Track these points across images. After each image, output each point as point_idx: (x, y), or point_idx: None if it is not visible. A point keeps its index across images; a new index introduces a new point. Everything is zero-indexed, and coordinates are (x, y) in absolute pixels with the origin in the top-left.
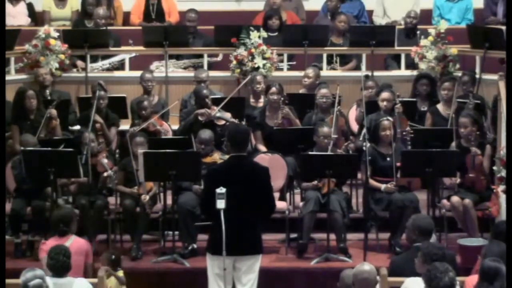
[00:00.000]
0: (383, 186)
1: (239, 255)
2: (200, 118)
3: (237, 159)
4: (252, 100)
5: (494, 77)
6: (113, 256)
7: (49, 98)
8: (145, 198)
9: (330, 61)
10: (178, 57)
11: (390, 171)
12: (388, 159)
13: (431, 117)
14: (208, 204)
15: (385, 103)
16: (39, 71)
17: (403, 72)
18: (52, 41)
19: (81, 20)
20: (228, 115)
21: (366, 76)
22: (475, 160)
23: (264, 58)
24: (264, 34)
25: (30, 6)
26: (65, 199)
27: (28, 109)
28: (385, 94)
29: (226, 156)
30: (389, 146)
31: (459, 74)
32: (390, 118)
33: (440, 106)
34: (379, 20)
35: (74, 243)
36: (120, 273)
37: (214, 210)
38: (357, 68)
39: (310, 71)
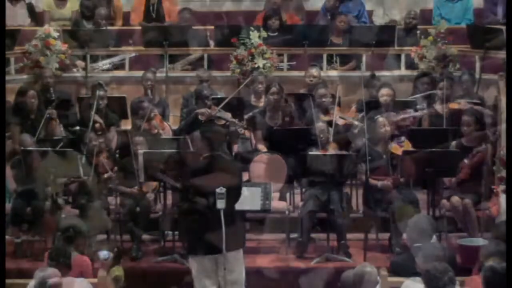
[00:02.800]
0: (379, 183)
1: (222, 252)
2: (200, 117)
3: (212, 158)
4: (253, 99)
5: (494, 77)
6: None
7: (52, 98)
8: (151, 196)
9: (330, 61)
10: (171, 60)
11: (387, 169)
12: (384, 156)
13: (429, 117)
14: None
15: (385, 98)
16: (44, 73)
17: (403, 72)
18: (52, 41)
19: (81, 20)
20: (228, 115)
21: (372, 76)
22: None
23: (264, 58)
24: (264, 34)
25: (30, 6)
26: (65, 199)
27: (29, 108)
28: (384, 90)
29: None
30: (386, 144)
31: (459, 74)
32: (385, 116)
33: (437, 106)
34: (379, 20)
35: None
36: (118, 271)
37: (188, 209)
38: (357, 68)
39: (314, 70)
